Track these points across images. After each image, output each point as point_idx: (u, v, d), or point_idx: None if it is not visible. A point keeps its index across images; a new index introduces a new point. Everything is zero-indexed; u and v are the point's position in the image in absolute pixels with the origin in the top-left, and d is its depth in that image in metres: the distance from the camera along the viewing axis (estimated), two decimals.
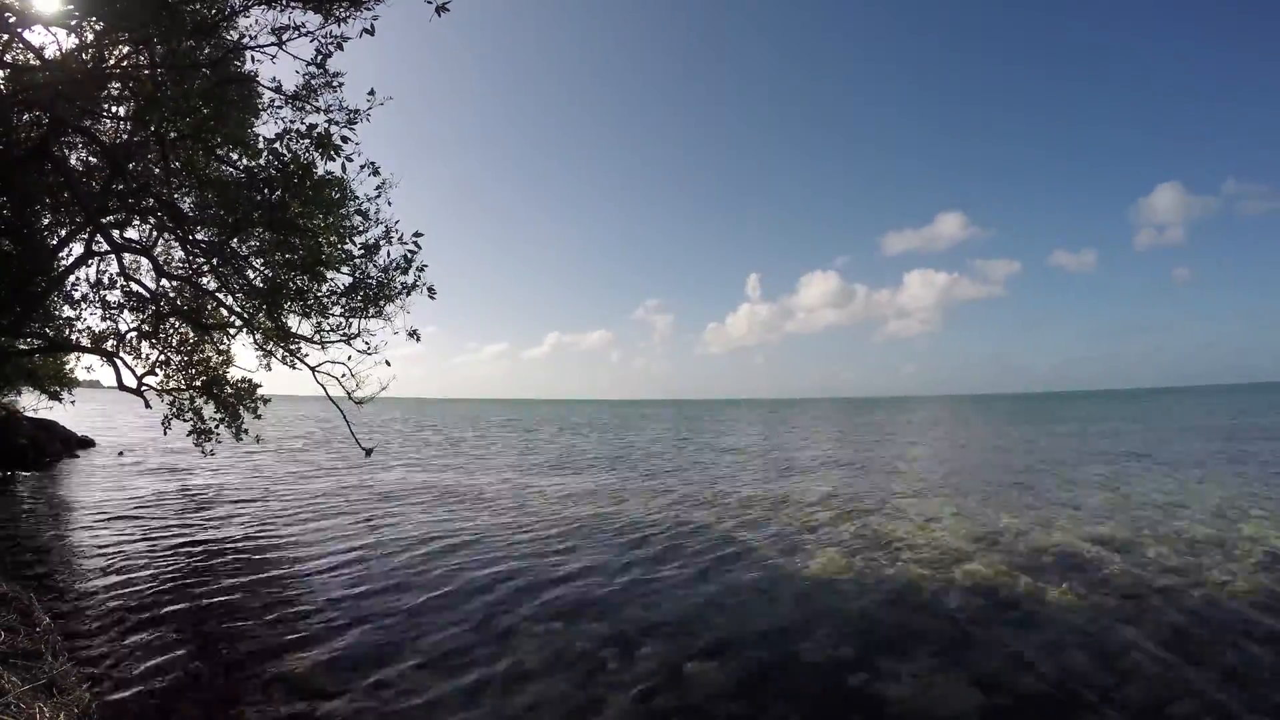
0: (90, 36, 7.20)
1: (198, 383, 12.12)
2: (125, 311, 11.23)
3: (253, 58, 7.75)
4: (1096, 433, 32.63)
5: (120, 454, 22.36)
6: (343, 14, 7.45)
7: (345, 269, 9.28)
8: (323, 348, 10.14)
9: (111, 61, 7.70)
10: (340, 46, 7.77)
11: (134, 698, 4.74)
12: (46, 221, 9.47)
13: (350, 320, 9.70)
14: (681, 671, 5.38)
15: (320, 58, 7.90)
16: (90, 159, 9.27)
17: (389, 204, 9.32)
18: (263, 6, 7.42)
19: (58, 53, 7.26)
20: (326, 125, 8.06)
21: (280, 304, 9.65)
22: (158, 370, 12.04)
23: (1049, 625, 6.36)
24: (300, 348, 10.44)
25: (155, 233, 10.47)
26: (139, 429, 32.45)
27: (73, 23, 6.76)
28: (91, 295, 10.69)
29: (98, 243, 9.63)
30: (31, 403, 18.55)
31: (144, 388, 11.84)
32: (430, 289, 9.38)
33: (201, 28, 7.12)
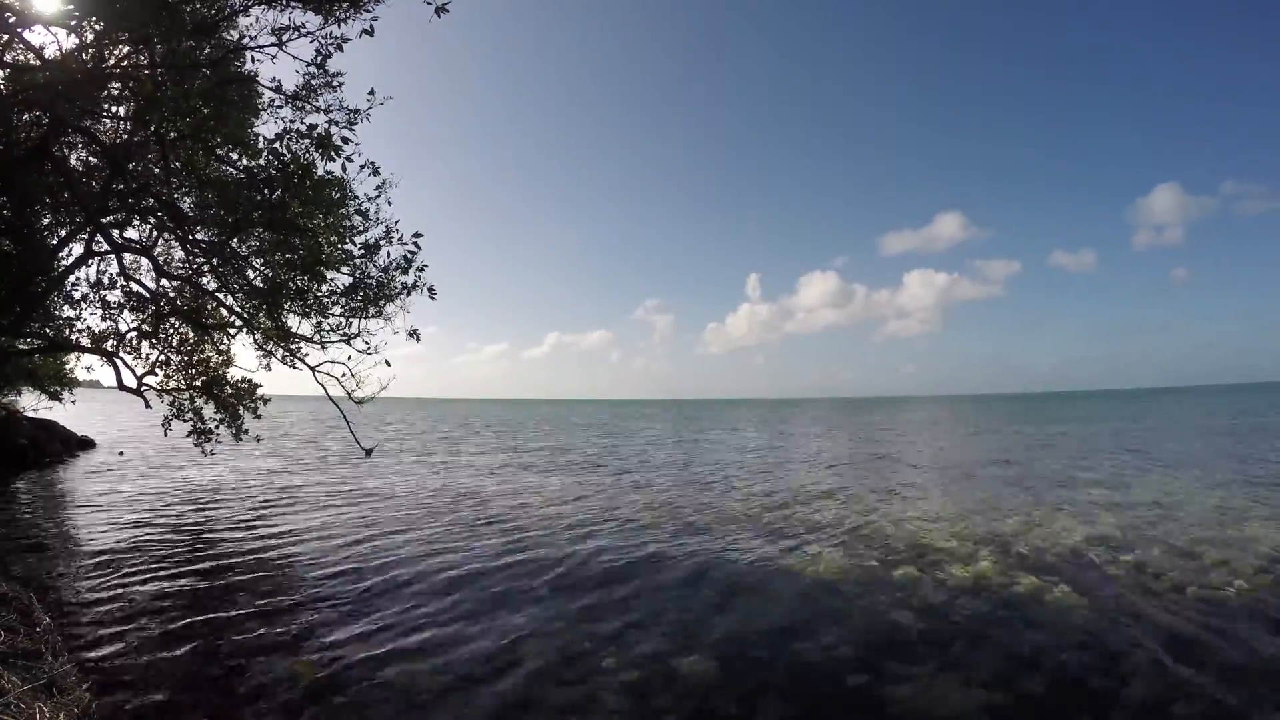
0: (90, 36, 7.20)
1: (198, 383, 12.12)
2: (125, 311, 11.25)
3: (253, 58, 7.76)
4: (1096, 432, 32.63)
5: (120, 454, 22.36)
6: (343, 14, 7.46)
7: (345, 269, 9.30)
8: (323, 348, 10.16)
9: (111, 61, 7.70)
10: (340, 47, 7.79)
11: (134, 698, 4.74)
12: (46, 221, 9.48)
13: (350, 320, 9.71)
14: (680, 671, 5.37)
15: (320, 58, 7.92)
16: (90, 159, 9.27)
17: (389, 204, 9.35)
18: (263, 6, 7.43)
19: (58, 53, 7.26)
20: (326, 125, 8.07)
21: (280, 304, 9.66)
22: (158, 370, 12.04)
23: (1049, 625, 6.36)
24: (300, 348, 10.45)
25: (155, 233, 10.48)
26: (139, 429, 32.46)
27: (73, 23, 6.76)
28: (91, 295, 10.71)
29: (98, 243, 9.64)
30: (31, 403, 18.56)
31: (144, 388, 11.85)
32: (430, 289, 9.39)
33: (201, 28, 7.12)
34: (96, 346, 11.35)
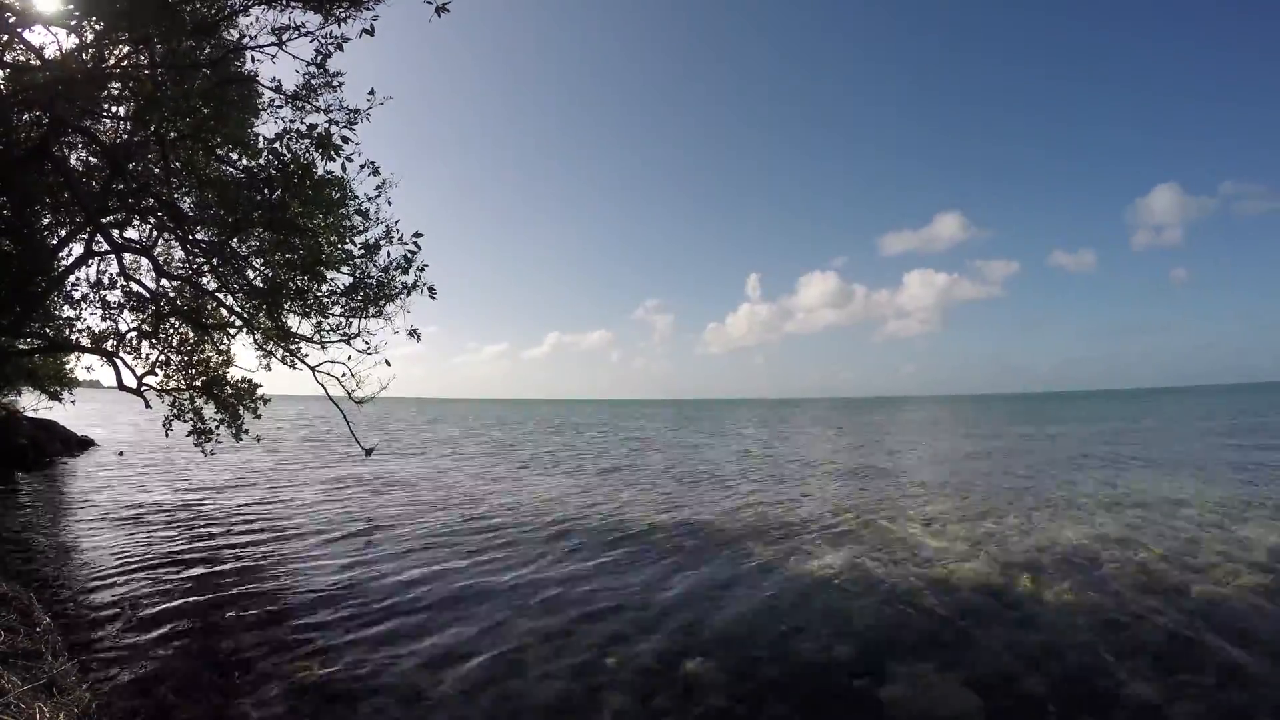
0: (90, 36, 7.19)
1: (198, 383, 12.11)
2: (125, 311, 11.23)
3: (253, 58, 7.74)
4: (1096, 432, 32.63)
5: (120, 454, 22.36)
6: (343, 14, 7.45)
7: (345, 269, 9.28)
8: (323, 348, 10.14)
9: (111, 61, 7.69)
10: (340, 47, 7.77)
11: (134, 697, 4.74)
12: (46, 221, 9.46)
13: (350, 320, 9.70)
14: (681, 671, 5.38)
15: (320, 58, 7.90)
16: (90, 159, 9.26)
17: (389, 204, 9.33)
18: (263, 6, 7.42)
19: (58, 53, 7.25)
20: (326, 125, 8.06)
21: (280, 304, 9.65)
22: (158, 370, 12.03)
23: (1049, 625, 6.36)
24: (300, 348, 10.44)
25: (155, 233, 10.47)
26: (139, 429, 32.45)
27: (73, 23, 6.75)
28: (91, 295, 10.69)
29: (98, 243, 9.63)
30: (31, 403, 18.55)
31: (144, 388, 11.83)
32: (430, 289, 9.39)
33: (201, 28, 7.11)
34: (96, 346, 11.34)
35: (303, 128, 8.06)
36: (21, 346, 10.96)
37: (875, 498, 13.91)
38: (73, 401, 18.37)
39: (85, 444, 24.37)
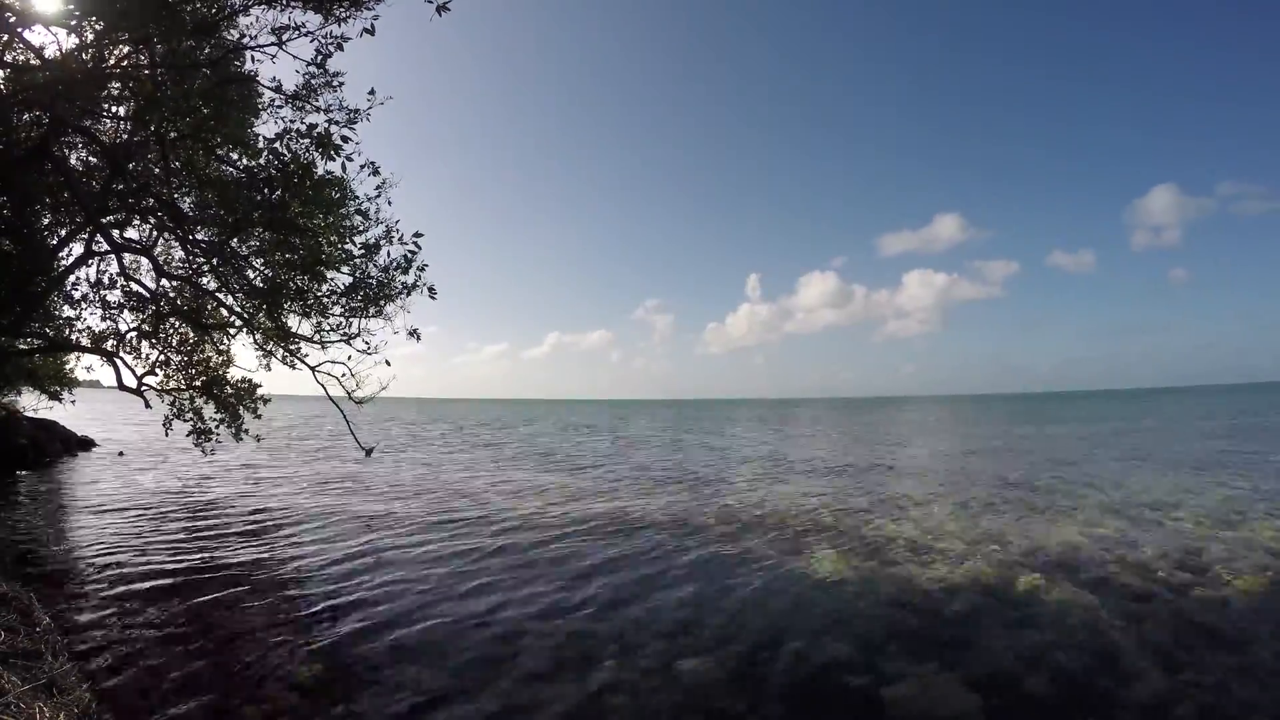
0: (90, 36, 7.19)
1: (198, 383, 12.11)
2: (125, 311, 11.23)
3: (253, 57, 7.75)
4: (1096, 432, 32.63)
5: (120, 454, 22.36)
6: (343, 14, 7.45)
7: (345, 269, 9.29)
8: (323, 348, 10.14)
9: (111, 61, 7.69)
10: (340, 46, 7.77)
11: (134, 698, 4.74)
12: (46, 221, 9.46)
13: (350, 320, 9.70)
14: (680, 671, 5.37)
15: (320, 57, 7.90)
16: (90, 159, 9.26)
17: (389, 204, 9.33)
18: (263, 6, 7.42)
19: (58, 53, 7.25)
20: (326, 125, 8.06)
21: (280, 304, 9.65)
22: (158, 370, 12.03)
23: (1049, 625, 6.36)
24: (300, 348, 10.44)
25: (155, 233, 10.47)
26: (139, 429, 32.45)
27: (73, 23, 6.75)
28: (91, 295, 10.69)
29: (98, 243, 9.63)
30: (31, 403, 18.54)
31: (144, 388, 11.84)
32: (430, 289, 9.39)
33: (201, 27, 7.11)
34: (96, 346, 11.34)
35: (303, 127, 8.07)
36: (21, 346, 10.96)
37: (875, 498, 13.90)
38: (73, 401, 18.35)
39: (85, 444, 24.36)
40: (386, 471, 19.01)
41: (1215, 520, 10.89)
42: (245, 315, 10.60)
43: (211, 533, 10.53)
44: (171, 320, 11.77)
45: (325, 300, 9.61)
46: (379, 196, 9.21)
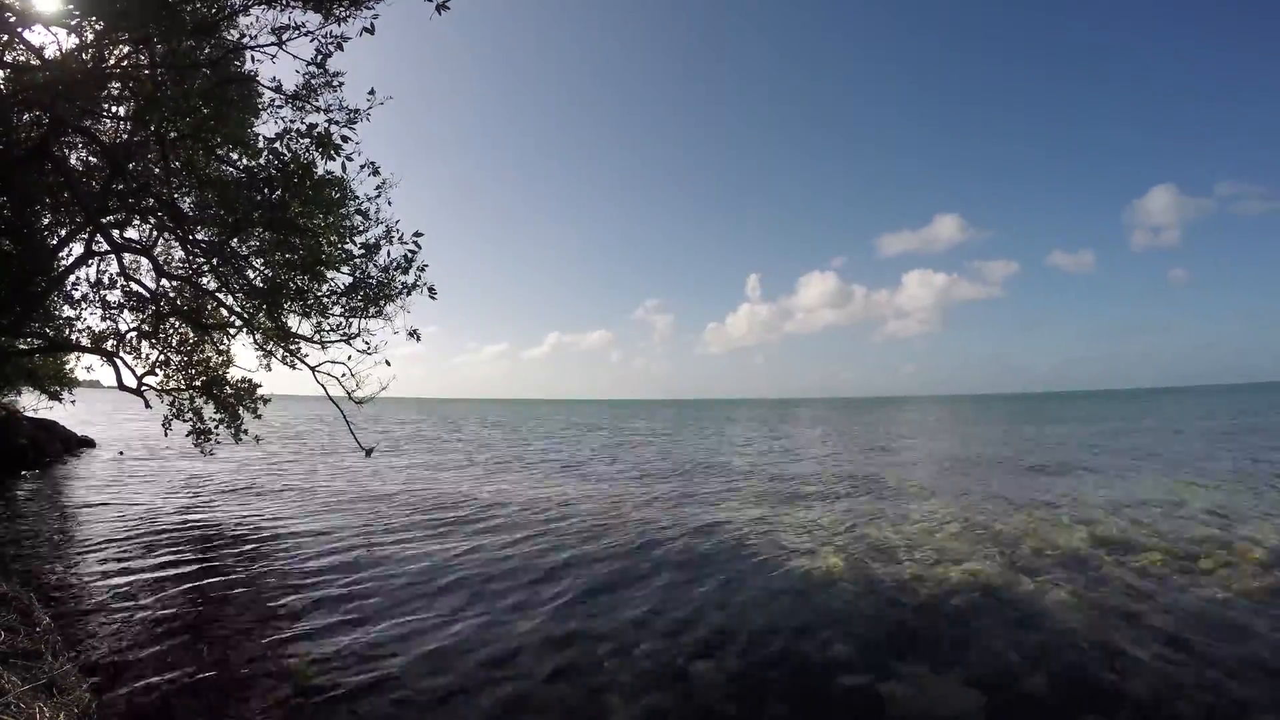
0: (90, 36, 7.20)
1: (198, 383, 12.12)
2: (125, 311, 11.25)
3: (253, 57, 7.76)
4: (1096, 432, 32.63)
5: (120, 454, 22.36)
6: (343, 14, 7.46)
7: (345, 269, 9.30)
8: (323, 348, 10.15)
9: (111, 61, 7.69)
10: (340, 46, 7.78)
11: (134, 697, 4.74)
12: (46, 221, 9.47)
13: (350, 320, 9.71)
14: (680, 671, 5.37)
15: (320, 57, 7.91)
16: (90, 159, 9.27)
17: (389, 204, 9.35)
18: (263, 6, 7.43)
19: (58, 53, 7.25)
20: (326, 125, 8.07)
21: (280, 304, 9.66)
22: (158, 370, 12.04)
23: (1049, 625, 6.36)
24: (300, 348, 10.45)
25: (155, 233, 10.48)
26: (139, 429, 32.45)
27: (73, 23, 6.75)
28: (91, 295, 10.71)
29: (98, 243, 9.63)
30: (31, 403, 18.54)
31: (144, 388, 11.85)
32: (430, 289, 9.39)
33: (201, 27, 7.12)
34: (96, 346, 11.35)
35: (303, 127, 8.07)
36: (21, 346, 10.97)
37: (875, 497, 13.90)
38: (73, 401, 18.37)
39: (85, 444, 24.37)
40: (387, 471, 19.01)
41: (1216, 520, 10.89)
42: (245, 315, 10.61)
43: (211, 532, 10.53)
44: (171, 320, 11.78)
45: (325, 300, 9.62)
46: (379, 196, 9.23)
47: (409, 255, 9.12)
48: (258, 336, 10.98)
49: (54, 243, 9.30)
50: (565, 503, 13.68)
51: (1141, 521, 10.94)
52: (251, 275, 9.83)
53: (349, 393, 10.31)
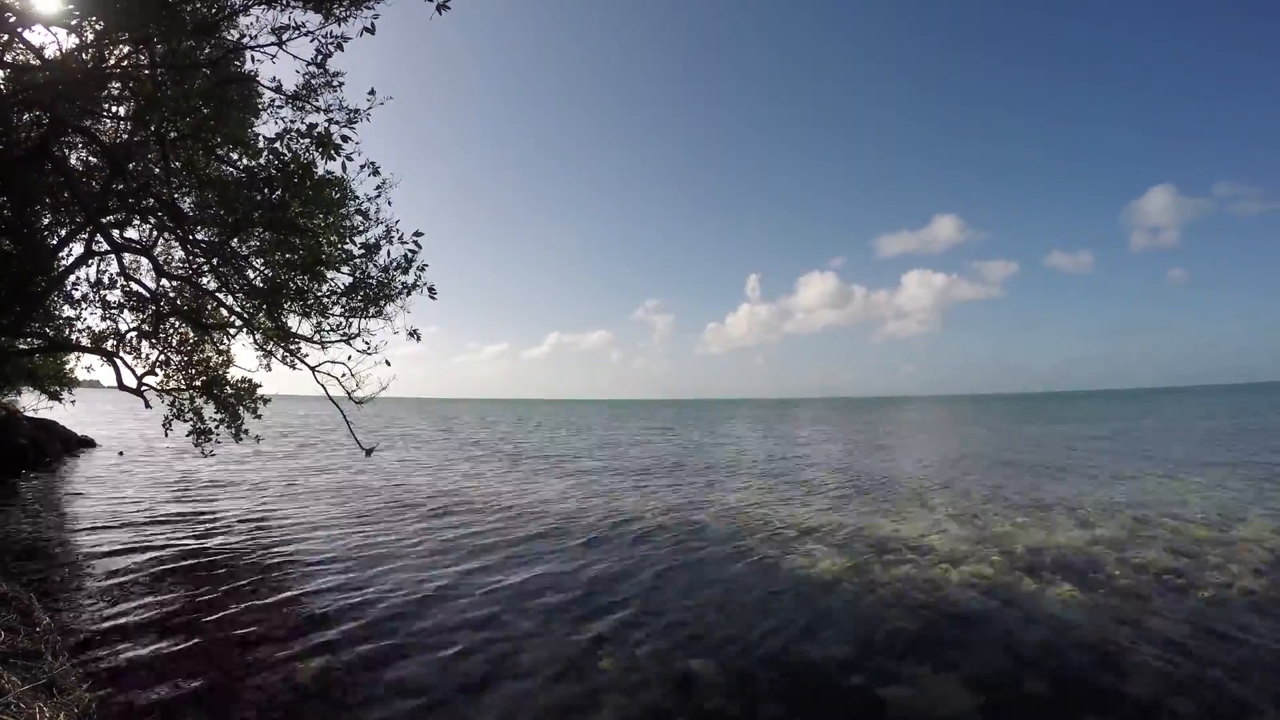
0: (90, 36, 7.19)
1: (198, 383, 12.11)
2: (125, 311, 11.24)
3: (253, 57, 7.75)
4: (1096, 432, 32.63)
5: (120, 454, 22.36)
6: (343, 14, 7.45)
7: (345, 269, 9.29)
8: (323, 348, 10.14)
9: (111, 61, 7.69)
10: (340, 46, 7.78)
11: (134, 697, 4.74)
12: (46, 221, 9.47)
13: (350, 320, 9.70)
14: (680, 671, 5.37)
15: (320, 57, 7.90)
16: (90, 159, 9.27)
17: (389, 204, 9.34)
18: (263, 6, 7.42)
19: (58, 53, 7.25)
20: (326, 125, 8.06)
21: (280, 304, 9.65)
22: (158, 370, 12.03)
23: (1049, 625, 6.36)
24: (300, 348, 10.44)
25: (155, 233, 10.47)
26: (139, 429, 32.44)
27: (73, 23, 6.75)
28: (91, 295, 10.70)
29: (98, 243, 9.63)
30: (31, 403, 18.55)
31: (144, 388, 11.84)
32: (431, 289, 9.39)
33: (201, 27, 7.11)
34: (96, 346, 11.34)
35: (303, 127, 8.07)
36: (21, 346, 10.96)
37: (875, 497, 13.90)
38: (73, 401, 18.36)
39: (85, 444, 24.37)
40: (387, 470, 19.01)
41: (1216, 520, 10.89)
42: (245, 315, 10.60)
43: (211, 532, 10.53)
44: (171, 320, 11.78)
45: (325, 300, 9.61)
46: (379, 196, 9.22)
47: (409, 255, 9.11)
48: (258, 336, 10.97)
49: (54, 243, 9.29)
50: (565, 503, 13.68)
51: (1142, 521, 10.94)
52: (251, 275, 9.82)
53: (349, 393, 10.31)
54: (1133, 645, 5.82)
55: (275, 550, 9.41)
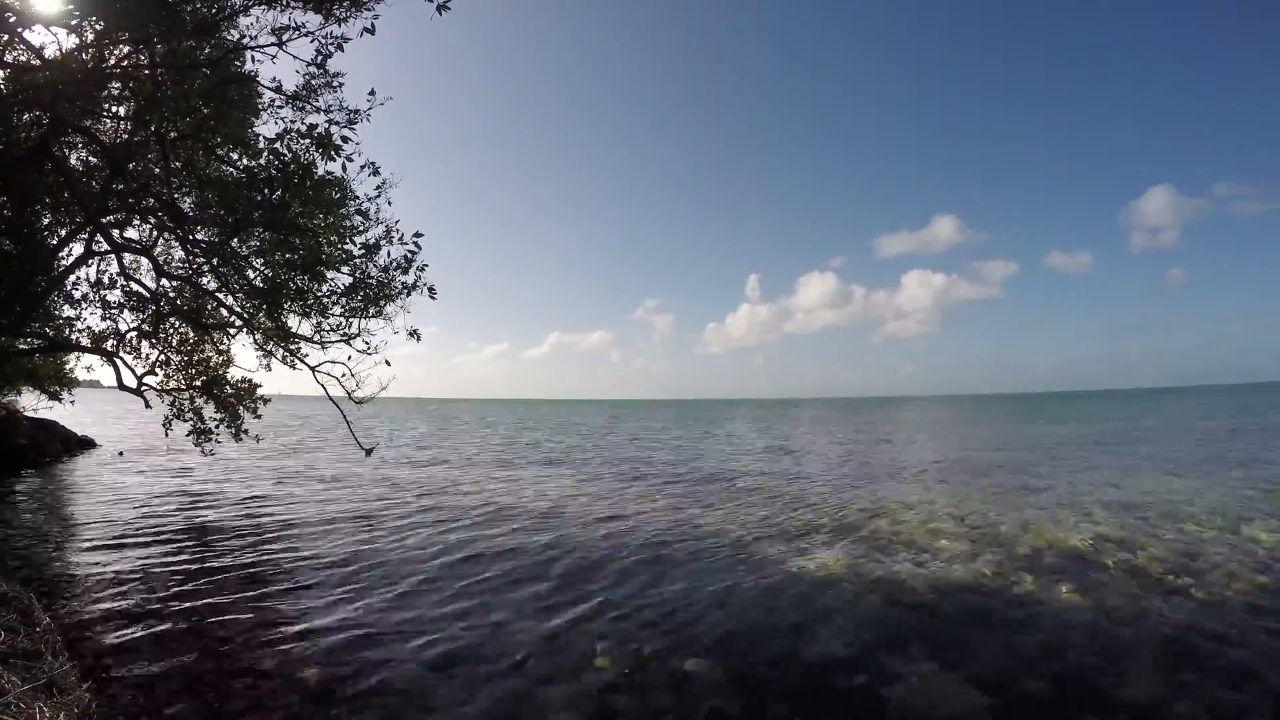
0: (90, 36, 7.20)
1: (198, 383, 12.13)
2: (125, 311, 11.26)
3: (253, 58, 7.76)
4: (1096, 432, 32.63)
5: (120, 454, 22.36)
6: (343, 14, 7.46)
7: (345, 269, 9.30)
8: (323, 348, 10.16)
9: (111, 61, 7.69)
10: (340, 47, 7.79)
11: (134, 698, 4.74)
12: (46, 221, 9.48)
13: (350, 320, 9.71)
14: (680, 671, 5.37)
15: (320, 58, 7.92)
16: (90, 159, 9.28)
17: (389, 204, 9.36)
18: (263, 6, 7.43)
19: (58, 53, 7.26)
20: (326, 125, 8.08)
21: (280, 304, 9.66)
22: (158, 370, 12.05)
23: (1049, 625, 6.36)
24: (300, 348, 10.46)
25: (155, 233, 10.48)
26: (139, 429, 32.45)
27: (73, 23, 6.76)
28: (91, 295, 10.72)
29: (98, 243, 9.64)
30: (31, 403, 18.55)
31: (144, 388, 11.85)
32: (431, 289, 9.40)
33: (202, 28, 7.12)
34: (96, 346, 11.35)
35: (303, 128, 8.09)
36: (21, 346, 10.97)
37: (875, 497, 13.90)
38: (72, 401, 18.37)
39: (85, 444, 24.37)
40: (386, 471, 19.01)
41: (1215, 520, 10.89)
42: (245, 315, 10.61)
43: (211, 533, 10.53)
44: (171, 320, 11.79)
45: (325, 300, 9.62)
46: (379, 196, 9.23)
47: (409, 255, 9.13)
48: (258, 336, 10.98)
49: (54, 243, 9.30)
50: (563, 502, 13.68)
51: (1142, 521, 10.94)
52: (251, 275, 9.83)
53: (349, 393, 10.32)
54: (1133, 645, 5.82)
55: (275, 550, 9.41)
